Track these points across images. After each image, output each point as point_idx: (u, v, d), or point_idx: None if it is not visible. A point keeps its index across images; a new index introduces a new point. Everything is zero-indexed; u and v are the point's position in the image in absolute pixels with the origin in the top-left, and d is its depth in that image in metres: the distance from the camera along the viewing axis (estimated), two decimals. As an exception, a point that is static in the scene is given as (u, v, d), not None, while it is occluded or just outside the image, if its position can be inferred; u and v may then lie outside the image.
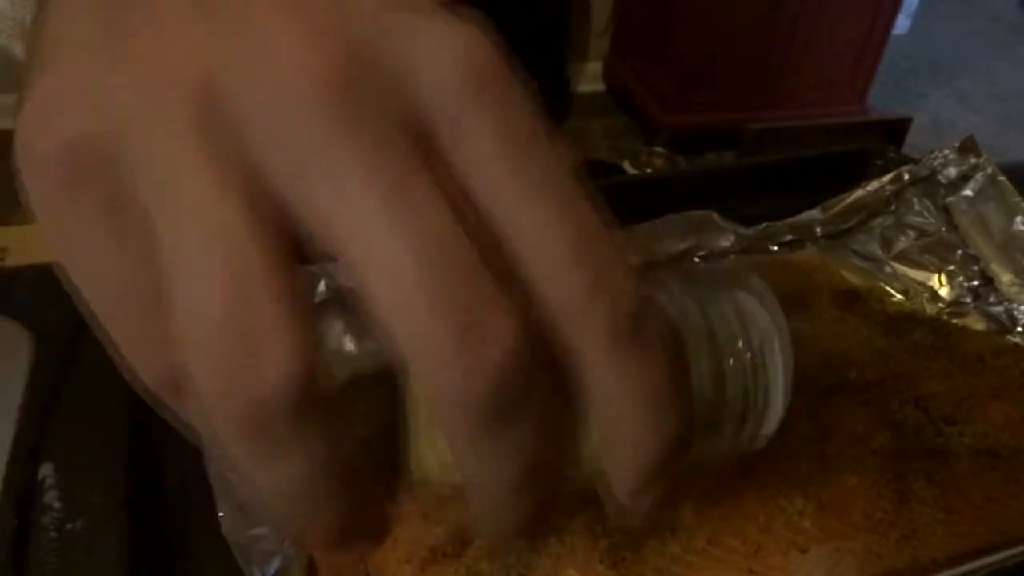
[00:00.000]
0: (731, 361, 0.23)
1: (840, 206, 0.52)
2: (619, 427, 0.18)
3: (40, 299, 0.44)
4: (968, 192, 0.51)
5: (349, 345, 0.27)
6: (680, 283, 0.24)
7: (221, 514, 0.31)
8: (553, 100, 0.66)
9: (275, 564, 0.31)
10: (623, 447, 0.18)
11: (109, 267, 0.17)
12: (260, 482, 0.17)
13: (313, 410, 0.16)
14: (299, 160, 0.15)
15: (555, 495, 0.19)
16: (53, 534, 0.32)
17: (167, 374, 0.17)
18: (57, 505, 0.33)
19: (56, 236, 0.17)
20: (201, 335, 0.15)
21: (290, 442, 0.16)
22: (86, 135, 0.16)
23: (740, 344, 0.24)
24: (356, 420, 0.18)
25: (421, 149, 0.16)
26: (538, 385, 0.16)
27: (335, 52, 0.15)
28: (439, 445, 0.20)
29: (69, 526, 0.32)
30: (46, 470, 0.34)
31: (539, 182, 0.16)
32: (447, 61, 0.16)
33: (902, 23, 2.89)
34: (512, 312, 0.15)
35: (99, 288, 0.18)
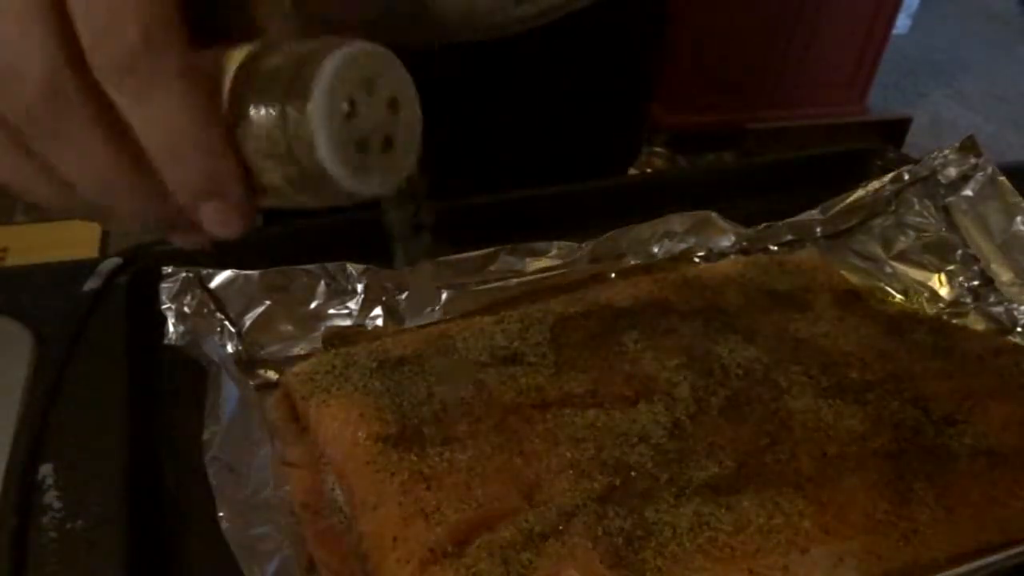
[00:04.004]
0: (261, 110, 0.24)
1: (840, 206, 0.52)
2: (155, 159, 0.24)
3: (40, 299, 0.44)
4: (968, 192, 0.51)
5: None
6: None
7: (221, 514, 0.31)
8: (628, 137, 0.69)
9: (275, 564, 0.31)
10: (164, 176, 0.24)
11: None
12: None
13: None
14: None
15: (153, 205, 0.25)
16: (53, 534, 0.32)
17: None
18: (57, 505, 0.33)
19: None
20: None
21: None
22: None
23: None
24: None
25: None
26: (69, 112, 0.22)
27: None
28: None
29: (69, 526, 0.32)
30: (46, 470, 0.34)
31: None
32: None
33: (902, 23, 2.89)
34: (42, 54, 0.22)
35: None
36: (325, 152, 0.23)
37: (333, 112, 0.23)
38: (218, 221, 0.26)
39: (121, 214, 0.26)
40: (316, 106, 0.23)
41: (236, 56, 0.24)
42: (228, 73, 0.24)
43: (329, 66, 0.23)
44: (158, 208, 0.26)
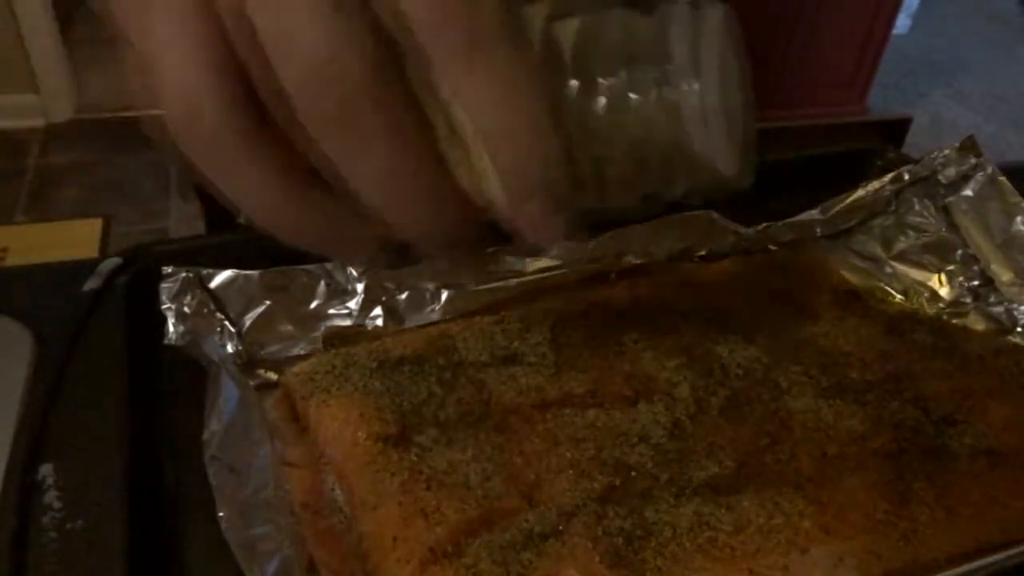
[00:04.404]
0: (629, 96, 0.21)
1: (840, 206, 0.52)
2: (486, 142, 0.21)
3: (40, 299, 0.44)
4: (968, 192, 0.51)
5: None
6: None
7: (221, 514, 0.31)
8: None
9: (275, 564, 0.30)
10: (494, 162, 0.22)
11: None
12: (356, 172, 0.22)
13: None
14: None
15: (449, 213, 0.23)
16: (53, 534, 0.32)
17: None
18: (57, 505, 0.33)
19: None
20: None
21: (372, 128, 0.21)
22: None
23: (645, 75, 0.21)
24: None
25: None
26: (387, 103, 0.21)
27: None
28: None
29: (69, 526, 0.32)
30: (46, 470, 0.34)
31: None
32: None
33: (902, 23, 2.88)
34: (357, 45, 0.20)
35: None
36: (719, 130, 0.20)
37: (725, 87, 0.20)
38: (541, 223, 0.23)
39: (410, 222, 0.23)
40: (708, 82, 0.20)
41: (569, 25, 0.21)
42: (565, 46, 0.21)
43: (717, 40, 0.20)
44: (454, 214, 0.23)
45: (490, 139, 0.21)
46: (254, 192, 0.23)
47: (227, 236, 0.47)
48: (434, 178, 0.22)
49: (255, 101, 0.22)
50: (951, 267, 0.49)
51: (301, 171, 0.23)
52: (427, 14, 0.20)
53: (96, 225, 2.01)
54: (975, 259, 0.49)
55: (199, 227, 0.76)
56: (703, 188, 0.22)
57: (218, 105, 0.21)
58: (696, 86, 0.20)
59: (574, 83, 0.21)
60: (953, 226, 0.51)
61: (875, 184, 0.52)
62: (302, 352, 0.41)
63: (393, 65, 0.21)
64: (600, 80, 0.20)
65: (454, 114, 0.21)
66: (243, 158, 0.22)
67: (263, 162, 0.22)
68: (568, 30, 0.21)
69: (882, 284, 0.49)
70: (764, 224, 0.50)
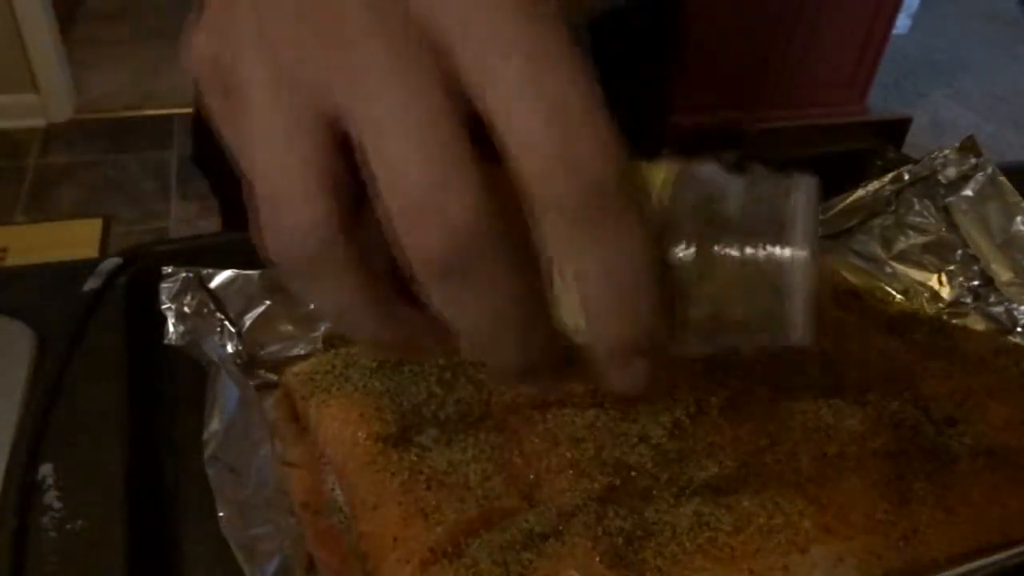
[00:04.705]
0: (725, 250, 0.21)
1: (840, 206, 0.52)
2: (585, 300, 0.20)
3: (41, 298, 0.44)
4: (968, 192, 0.51)
5: None
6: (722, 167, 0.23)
7: (221, 514, 0.31)
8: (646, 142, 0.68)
9: (275, 564, 0.31)
10: (591, 320, 0.21)
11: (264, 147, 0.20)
12: (459, 318, 0.21)
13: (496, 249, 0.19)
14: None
15: (541, 348, 0.22)
16: (53, 534, 0.32)
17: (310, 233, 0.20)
18: (57, 505, 0.33)
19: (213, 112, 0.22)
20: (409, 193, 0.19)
21: (482, 277, 0.19)
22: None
23: (744, 236, 0.21)
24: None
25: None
26: (498, 249, 0.19)
27: None
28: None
29: (69, 526, 0.32)
30: (46, 470, 0.34)
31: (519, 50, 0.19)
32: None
33: (902, 23, 2.88)
34: (471, 189, 0.19)
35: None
36: (799, 302, 0.21)
37: (812, 258, 0.21)
38: (632, 375, 0.22)
39: (500, 357, 0.22)
40: (796, 254, 0.20)
41: (659, 173, 0.21)
42: (659, 191, 0.21)
43: (806, 212, 0.21)
44: (545, 348, 0.22)
45: (593, 303, 0.20)
46: (342, 303, 0.22)
47: (227, 236, 0.47)
48: (535, 320, 0.21)
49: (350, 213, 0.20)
50: (951, 267, 0.49)
51: (388, 282, 0.22)
52: (536, 167, 0.19)
53: (96, 225, 2.01)
54: (975, 259, 0.49)
55: (199, 227, 0.76)
56: (769, 347, 0.23)
57: (323, 226, 0.20)
58: (803, 254, 0.21)
59: (687, 248, 0.21)
60: (953, 226, 0.51)
61: (875, 184, 0.52)
62: (302, 352, 0.41)
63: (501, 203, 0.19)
64: (715, 248, 0.21)
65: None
66: (336, 273, 0.21)
67: (354, 278, 0.21)
68: (687, 191, 0.21)
69: (882, 284, 0.49)
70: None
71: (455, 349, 0.23)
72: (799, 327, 0.21)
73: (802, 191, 0.22)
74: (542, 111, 0.18)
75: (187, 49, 0.22)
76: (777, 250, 0.21)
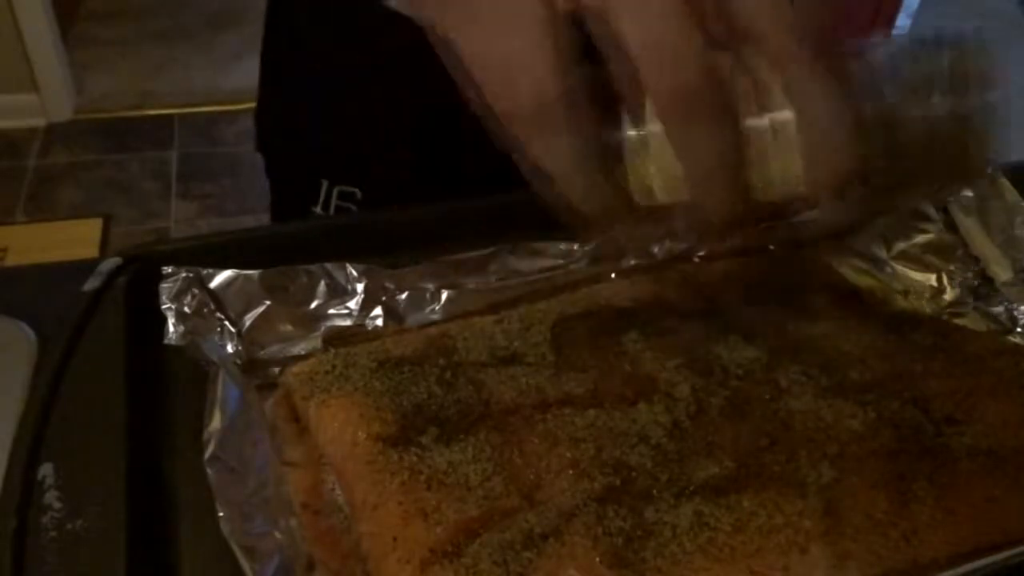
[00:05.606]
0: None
1: (840, 206, 0.52)
2: (807, 129, 0.26)
3: (41, 298, 0.44)
4: (968, 192, 0.51)
5: None
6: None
7: (221, 514, 0.31)
8: None
9: (275, 564, 0.31)
10: (809, 167, 0.27)
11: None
12: (687, 153, 0.27)
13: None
14: None
15: (744, 199, 0.28)
16: (53, 534, 0.32)
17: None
18: (57, 505, 0.33)
19: None
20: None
21: (706, 120, 0.27)
22: None
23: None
24: None
25: None
26: (717, 96, 0.26)
27: None
28: (664, 168, 0.28)
29: (69, 526, 0.32)
30: (46, 470, 0.34)
31: None
32: None
33: (902, 23, 2.88)
34: (699, 44, 0.26)
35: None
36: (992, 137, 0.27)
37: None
38: (833, 205, 0.30)
39: (713, 204, 0.28)
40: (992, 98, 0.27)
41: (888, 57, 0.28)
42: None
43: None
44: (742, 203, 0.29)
45: (812, 126, 0.26)
46: (561, 156, 0.28)
47: (227, 236, 0.47)
48: (739, 169, 0.27)
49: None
50: (951, 267, 0.49)
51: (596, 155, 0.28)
52: (769, 11, 0.26)
53: (96, 225, 2.01)
54: (975, 259, 0.49)
55: (199, 227, 0.76)
56: (955, 185, 0.31)
57: (553, 89, 0.26)
58: (990, 98, 0.27)
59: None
60: (953, 226, 0.51)
61: (875, 184, 0.52)
62: (302, 352, 0.41)
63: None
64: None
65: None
66: (559, 130, 0.27)
67: (572, 137, 0.27)
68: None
69: (882, 284, 0.49)
70: (764, 224, 0.50)
71: (643, 234, 0.32)
72: (984, 159, 0.28)
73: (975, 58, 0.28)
74: None
75: None
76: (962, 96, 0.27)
